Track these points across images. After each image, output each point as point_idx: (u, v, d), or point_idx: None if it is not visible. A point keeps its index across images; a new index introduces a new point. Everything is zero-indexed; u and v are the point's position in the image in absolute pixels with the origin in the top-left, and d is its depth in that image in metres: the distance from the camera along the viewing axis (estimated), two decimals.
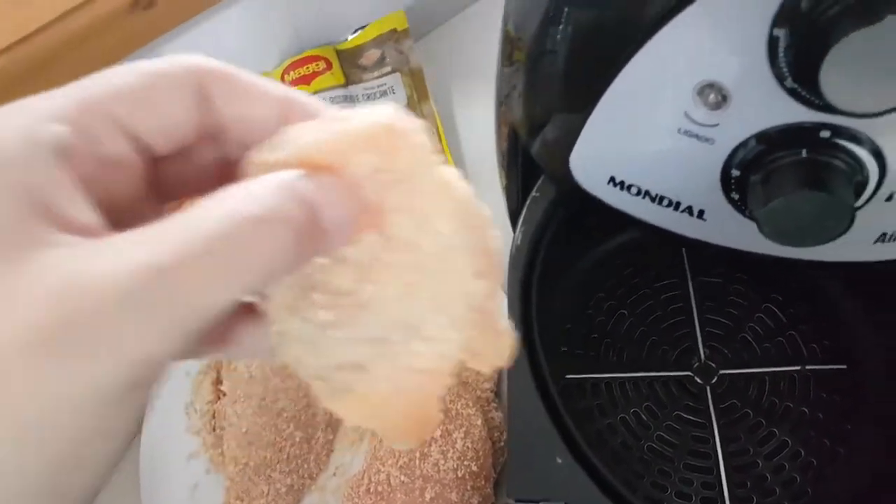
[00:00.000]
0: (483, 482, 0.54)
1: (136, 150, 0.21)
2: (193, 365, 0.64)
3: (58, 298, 0.17)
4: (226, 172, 0.23)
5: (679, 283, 0.58)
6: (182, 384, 0.63)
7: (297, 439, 0.59)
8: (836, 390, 0.54)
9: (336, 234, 0.20)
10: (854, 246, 0.39)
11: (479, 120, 0.63)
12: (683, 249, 0.60)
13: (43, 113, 0.19)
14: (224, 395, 0.62)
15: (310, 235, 0.20)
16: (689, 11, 0.32)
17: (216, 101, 0.22)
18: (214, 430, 0.61)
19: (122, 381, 0.17)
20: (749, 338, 0.56)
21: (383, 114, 0.22)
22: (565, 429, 0.40)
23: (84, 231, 0.18)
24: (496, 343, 0.25)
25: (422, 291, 0.22)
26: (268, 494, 0.57)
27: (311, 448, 0.59)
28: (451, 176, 0.23)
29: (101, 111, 0.20)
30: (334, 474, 0.59)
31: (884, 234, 0.39)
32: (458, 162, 0.73)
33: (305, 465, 0.59)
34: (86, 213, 0.19)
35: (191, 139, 0.23)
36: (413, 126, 0.22)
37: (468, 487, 0.53)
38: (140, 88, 0.21)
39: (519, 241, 0.46)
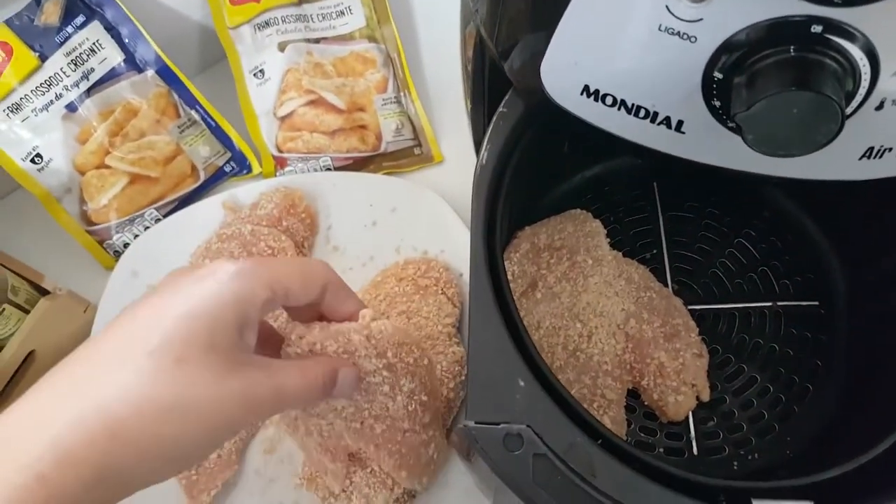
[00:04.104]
0: (431, 399, 0.51)
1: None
2: None
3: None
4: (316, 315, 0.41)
5: (649, 218, 0.56)
6: None
7: None
8: (807, 326, 0.52)
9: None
10: (839, 162, 0.37)
11: (443, 44, 0.59)
12: (655, 184, 0.58)
13: (261, 281, 0.35)
14: None
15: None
16: None
17: (326, 296, 0.39)
18: None
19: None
20: (720, 273, 0.54)
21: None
22: (527, 352, 0.38)
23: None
24: None
25: None
26: None
27: None
28: None
29: (282, 286, 0.36)
30: None
31: (870, 149, 0.36)
32: (421, 89, 0.70)
33: None
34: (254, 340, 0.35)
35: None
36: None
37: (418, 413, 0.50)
38: (301, 276, 0.37)
39: (485, 160, 0.43)
